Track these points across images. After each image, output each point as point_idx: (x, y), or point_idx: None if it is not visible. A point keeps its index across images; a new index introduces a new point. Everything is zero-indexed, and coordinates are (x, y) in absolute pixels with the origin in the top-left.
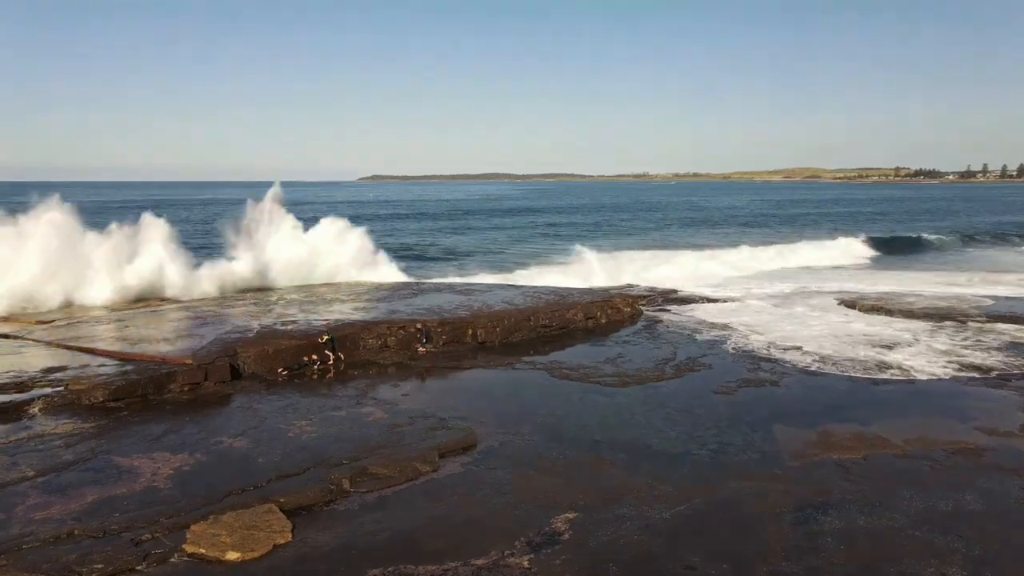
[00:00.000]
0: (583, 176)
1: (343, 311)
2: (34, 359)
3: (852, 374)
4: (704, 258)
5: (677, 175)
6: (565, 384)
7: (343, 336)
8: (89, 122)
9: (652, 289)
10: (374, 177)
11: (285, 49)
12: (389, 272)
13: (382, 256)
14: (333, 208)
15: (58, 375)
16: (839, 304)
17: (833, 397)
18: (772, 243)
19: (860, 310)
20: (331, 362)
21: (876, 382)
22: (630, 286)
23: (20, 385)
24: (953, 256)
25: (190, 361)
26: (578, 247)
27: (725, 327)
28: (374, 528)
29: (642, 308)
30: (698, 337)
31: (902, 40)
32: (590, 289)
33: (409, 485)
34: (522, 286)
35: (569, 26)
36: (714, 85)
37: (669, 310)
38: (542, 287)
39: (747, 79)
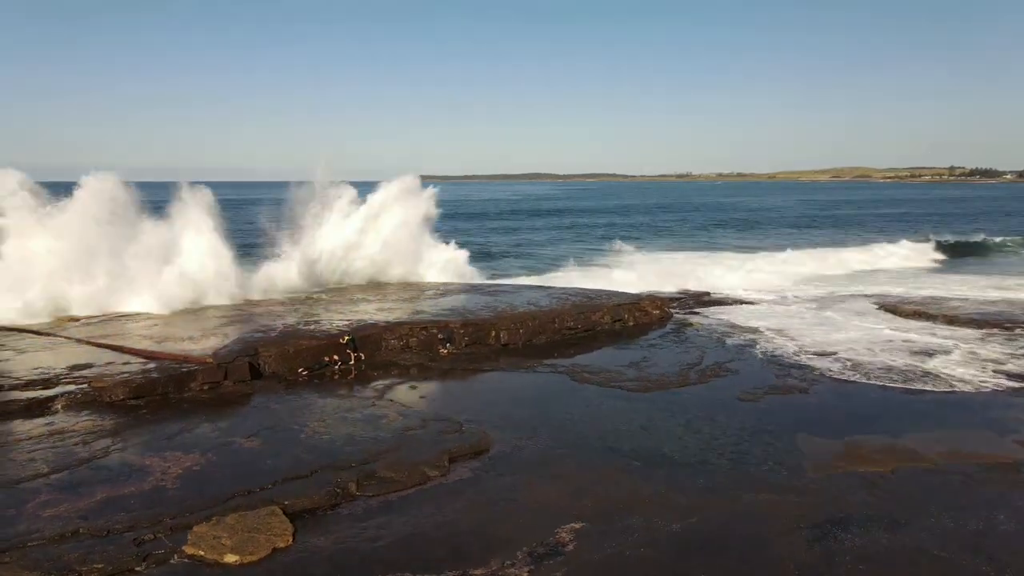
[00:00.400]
0: (625, 176)
1: (368, 311)
2: (63, 356)
3: (886, 382)
4: (744, 260)
5: (721, 175)
6: (585, 388)
7: (364, 336)
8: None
9: (684, 291)
10: (419, 177)
11: (327, 49)
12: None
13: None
14: None
15: (83, 372)
16: (879, 308)
17: (864, 406)
18: (816, 245)
19: (901, 315)
20: (352, 363)
21: (911, 391)
22: (656, 293)
23: (46, 382)
24: (1009, 259)
25: (210, 360)
26: (615, 247)
27: (757, 331)
28: (376, 534)
29: (672, 311)
30: (728, 341)
31: (958, 35)
32: (619, 291)
33: (416, 490)
34: (549, 287)
35: (609, 26)
36: (759, 83)
37: (700, 313)
38: (570, 288)
39: (793, 76)
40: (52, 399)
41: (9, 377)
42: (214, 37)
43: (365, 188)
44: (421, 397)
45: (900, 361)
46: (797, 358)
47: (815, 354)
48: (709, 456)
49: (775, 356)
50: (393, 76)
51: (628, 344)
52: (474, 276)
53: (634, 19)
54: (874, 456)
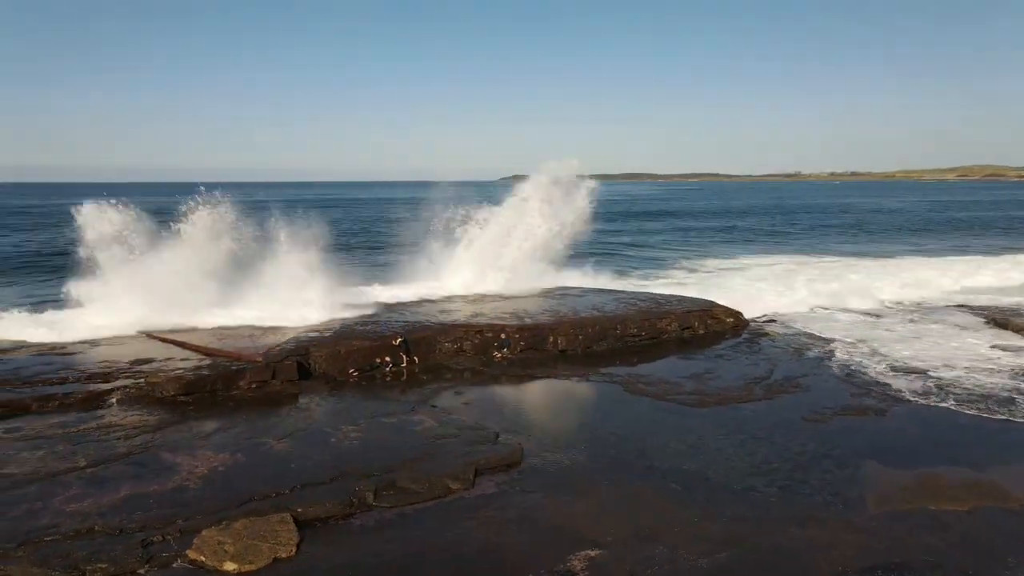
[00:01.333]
0: (729, 176)
1: (429, 311)
2: (129, 350)
3: (979, 408)
4: (847, 267)
5: (833, 174)
6: (638, 401)
7: (418, 339)
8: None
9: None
10: (515, 177)
11: (431, 52)
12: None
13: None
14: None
15: (143, 367)
16: (986, 323)
17: (948, 434)
18: (933, 252)
19: (1013, 330)
20: (404, 365)
21: (1010, 421)
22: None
23: (107, 375)
24: None
25: (259, 359)
26: (711, 252)
27: (840, 343)
28: (383, 548)
29: (748, 319)
30: (807, 353)
31: None
32: (691, 297)
33: (436, 503)
34: (618, 291)
35: (711, 24)
36: (875, 73)
37: (780, 321)
38: (640, 293)
39: (914, 67)
40: (109, 392)
41: (75, 369)
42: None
43: (465, 189)
44: (464, 403)
45: (1000, 384)
46: (880, 375)
47: (901, 371)
48: (757, 482)
49: (855, 372)
50: (492, 74)
51: (694, 354)
52: (580, 280)
53: (738, 9)
54: (950, 492)
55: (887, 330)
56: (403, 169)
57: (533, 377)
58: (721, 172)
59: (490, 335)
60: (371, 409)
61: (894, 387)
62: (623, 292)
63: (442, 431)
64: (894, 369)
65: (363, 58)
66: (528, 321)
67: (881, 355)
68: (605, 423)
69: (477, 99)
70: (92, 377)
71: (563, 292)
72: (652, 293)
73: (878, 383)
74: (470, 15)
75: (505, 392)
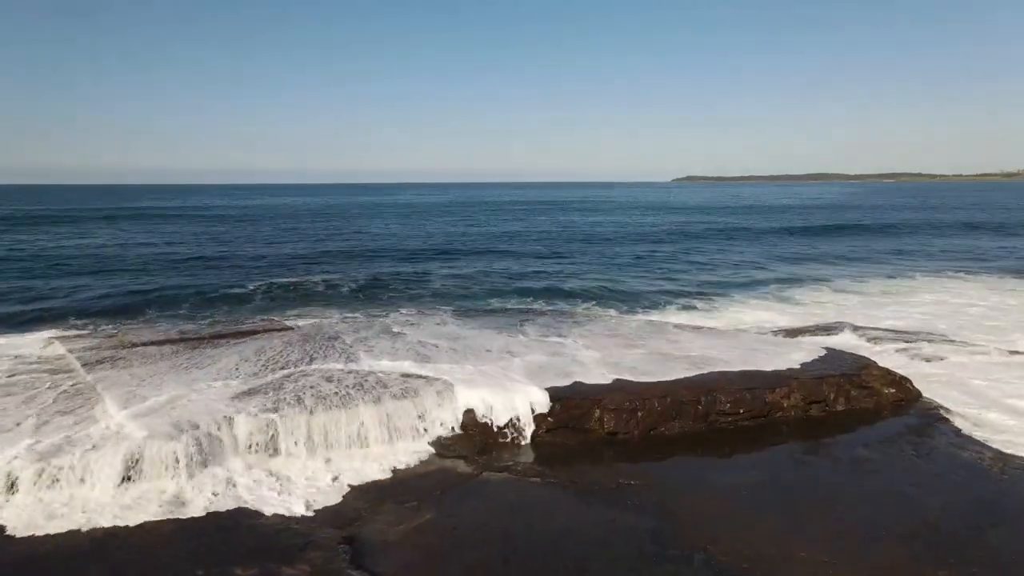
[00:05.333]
0: (933, 176)
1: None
2: None
3: None
4: None
5: None
6: (691, 556)
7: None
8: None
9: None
10: (688, 178)
11: (590, 49)
12: None
13: None
14: (637, 211)
15: None
16: None
17: None
18: None
19: None
20: None
21: None
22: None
23: None
24: None
25: None
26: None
27: None
28: None
29: (919, 389)
30: (1015, 465)
31: None
32: (835, 350)
33: None
34: (727, 332)
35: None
36: None
37: (975, 395)
38: (760, 336)
39: None
40: None
41: None
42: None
43: (627, 190)
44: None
45: None
46: None
47: None
48: None
49: None
50: (662, 71)
51: (817, 452)
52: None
53: None
54: None
55: None
56: (567, 171)
57: (522, 483)
58: (923, 172)
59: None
60: None
61: None
62: (741, 332)
63: None
64: None
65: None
66: (563, 385)
67: None
68: None
69: (656, 97)
70: None
71: (664, 332)
72: (772, 337)
73: None
74: (637, 8)
75: (477, 507)
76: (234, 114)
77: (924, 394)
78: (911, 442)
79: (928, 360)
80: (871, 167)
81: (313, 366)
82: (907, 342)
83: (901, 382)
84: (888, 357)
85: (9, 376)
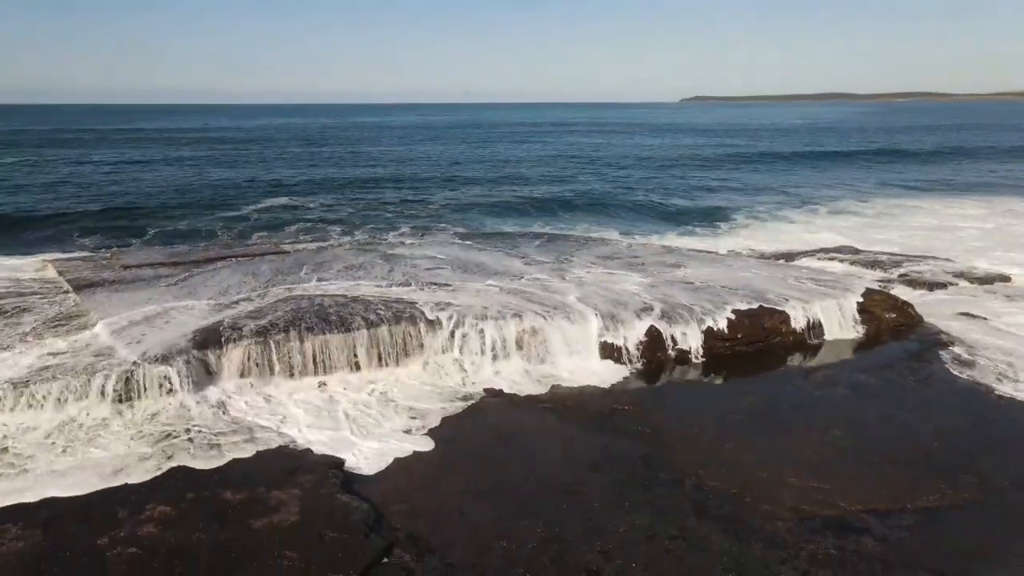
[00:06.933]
0: (946, 95)
1: None
2: None
3: None
4: None
5: None
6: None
7: None
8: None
9: (964, 273)
10: (696, 98)
11: None
12: None
13: None
14: (655, 133)
15: None
16: None
17: None
18: None
19: None
20: None
21: None
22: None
23: None
24: None
25: None
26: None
27: None
28: None
29: (920, 314)
30: (1009, 392)
31: None
32: (836, 275)
33: None
34: (728, 256)
35: None
36: None
37: (983, 317)
38: (761, 260)
39: None
40: None
41: None
42: None
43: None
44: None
45: None
46: None
47: None
48: None
49: None
50: None
51: (815, 376)
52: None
53: None
54: None
55: None
56: (567, 92)
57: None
58: (937, 90)
59: None
60: None
61: None
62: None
63: None
64: None
65: None
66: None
67: None
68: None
69: (661, 12)
70: None
71: (678, 255)
72: (774, 261)
73: None
74: None
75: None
76: (249, 35)
77: (926, 319)
78: (910, 367)
79: (932, 286)
80: (884, 86)
81: (303, 286)
82: (910, 264)
83: (903, 307)
84: (896, 285)
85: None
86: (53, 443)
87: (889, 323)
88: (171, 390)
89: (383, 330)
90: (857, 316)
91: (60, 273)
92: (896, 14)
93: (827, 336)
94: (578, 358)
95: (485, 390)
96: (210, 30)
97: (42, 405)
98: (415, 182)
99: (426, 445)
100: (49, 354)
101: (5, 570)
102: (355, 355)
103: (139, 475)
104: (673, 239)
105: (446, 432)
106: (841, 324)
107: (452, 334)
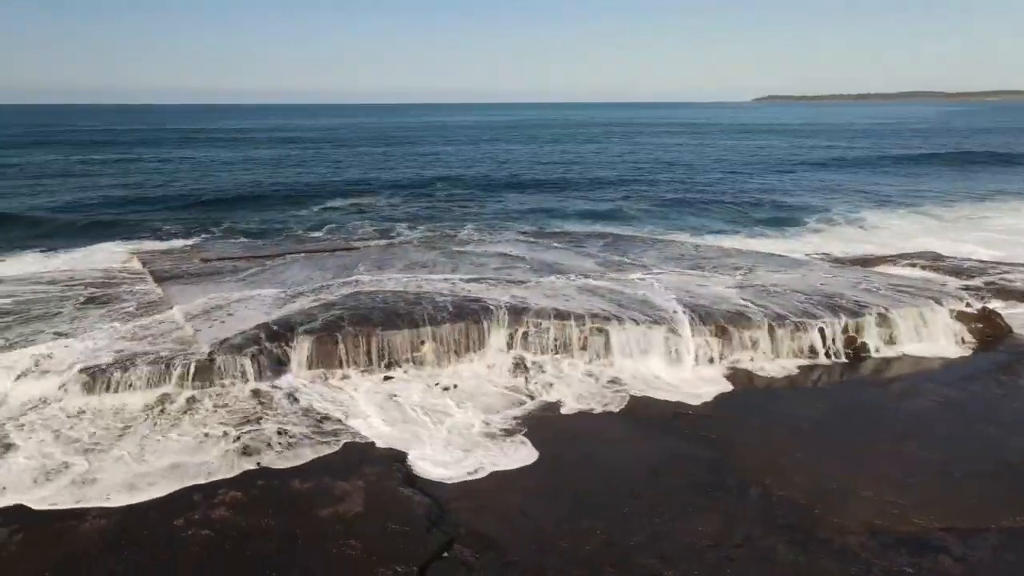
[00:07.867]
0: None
1: None
2: None
3: None
4: None
5: None
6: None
7: None
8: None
9: None
10: (769, 98)
11: None
12: None
13: None
14: (717, 132)
15: None
16: None
17: None
18: None
19: None
20: None
21: None
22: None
23: None
24: None
25: None
26: None
27: None
28: None
29: (1009, 324)
30: None
31: None
32: (920, 281)
33: None
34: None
35: None
36: None
37: None
38: (839, 265)
39: None
40: None
41: None
42: None
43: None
44: None
45: None
46: None
47: None
48: None
49: None
50: None
51: (894, 386)
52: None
53: None
54: None
55: None
56: (638, 92)
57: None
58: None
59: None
60: None
61: None
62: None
63: None
64: None
65: None
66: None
67: None
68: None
69: (718, 14)
70: None
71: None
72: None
73: None
74: None
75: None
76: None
77: (1015, 330)
78: (997, 380)
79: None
80: (973, 84)
81: (371, 281)
82: (998, 272)
83: (990, 316)
84: (983, 294)
85: (92, 288)
86: (134, 429)
87: (975, 333)
88: (245, 379)
89: (449, 327)
90: (940, 325)
91: (144, 264)
92: (985, 6)
93: (907, 345)
94: (644, 359)
95: (549, 389)
96: (298, 39)
97: (128, 389)
98: (481, 181)
99: (489, 442)
100: (131, 339)
101: (89, 546)
102: (421, 350)
103: (212, 460)
104: (743, 241)
105: (509, 429)
106: (922, 333)
107: (517, 332)
